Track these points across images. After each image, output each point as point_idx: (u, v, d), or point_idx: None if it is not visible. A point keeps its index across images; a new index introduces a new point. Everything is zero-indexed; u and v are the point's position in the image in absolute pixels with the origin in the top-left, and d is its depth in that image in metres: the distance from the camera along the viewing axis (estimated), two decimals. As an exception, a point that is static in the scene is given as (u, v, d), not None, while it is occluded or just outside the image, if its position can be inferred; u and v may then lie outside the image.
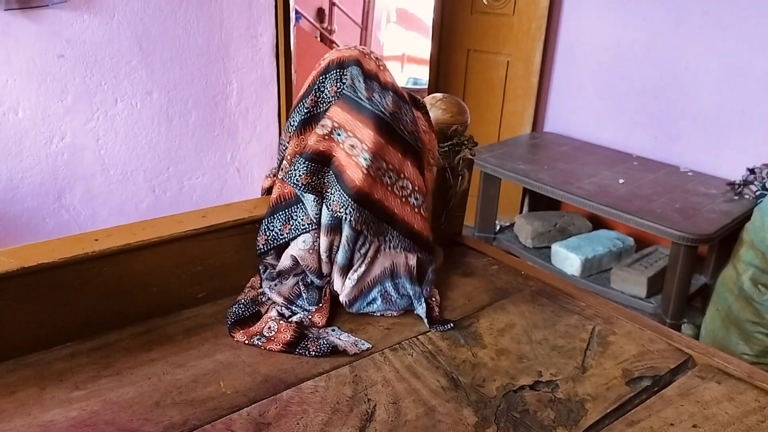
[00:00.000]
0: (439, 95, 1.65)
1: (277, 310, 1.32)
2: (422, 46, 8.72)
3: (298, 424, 1.06)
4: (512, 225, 3.70)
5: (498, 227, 3.74)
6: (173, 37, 2.77)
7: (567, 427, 1.10)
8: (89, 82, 2.63)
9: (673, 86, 3.35)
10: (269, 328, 1.27)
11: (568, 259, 3.21)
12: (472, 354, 1.28)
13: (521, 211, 3.95)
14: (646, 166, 3.35)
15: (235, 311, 1.31)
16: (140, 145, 2.79)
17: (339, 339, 1.29)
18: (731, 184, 3.11)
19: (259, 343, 1.25)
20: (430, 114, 1.59)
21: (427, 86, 6.21)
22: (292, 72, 3.16)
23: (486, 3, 3.95)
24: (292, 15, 3.12)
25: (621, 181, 3.11)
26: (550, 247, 3.36)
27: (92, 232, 1.24)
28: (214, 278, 1.39)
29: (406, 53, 9.06)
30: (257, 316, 1.32)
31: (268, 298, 1.36)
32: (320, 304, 1.36)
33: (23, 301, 1.16)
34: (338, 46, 6.99)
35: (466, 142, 1.64)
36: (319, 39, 6.60)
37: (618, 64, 3.54)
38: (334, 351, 1.24)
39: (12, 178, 2.57)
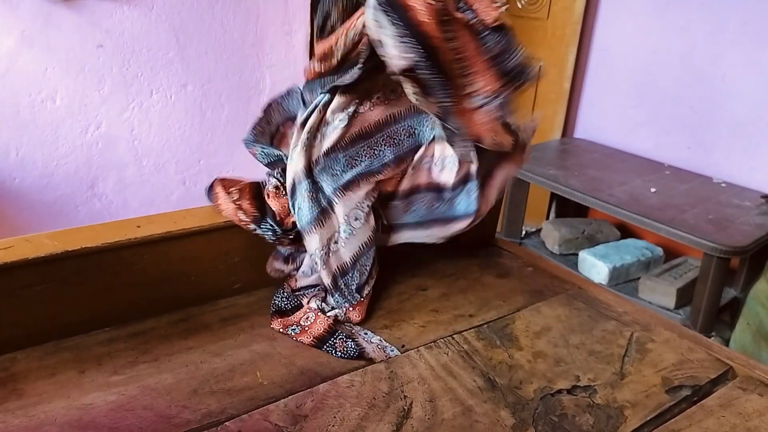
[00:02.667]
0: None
1: (316, 303, 1.31)
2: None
3: (335, 417, 1.06)
4: (538, 231, 3.67)
5: (524, 233, 3.72)
6: (209, 31, 2.80)
7: (606, 434, 1.08)
8: (126, 72, 2.66)
9: (708, 96, 3.30)
10: (306, 317, 1.27)
11: (595, 266, 3.17)
12: (508, 355, 1.27)
13: (548, 217, 3.92)
14: (678, 176, 3.30)
15: (277, 303, 1.31)
16: (173, 137, 2.81)
17: (369, 342, 1.27)
18: (765, 196, 3.06)
19: (293, 334, 1.24)
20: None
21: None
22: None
23: (521, 6, 3.93)
24: (327, 12, 3.12)
25: (653, 190, 3.07)
26: (576, 254, 3.32)
27: (134, 218, 1.25)
28: (250, 270, 1.39)
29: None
30: (298, 307, 1.31)
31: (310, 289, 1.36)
32: (358, 300, 1.35)
33: (65, 284, 1.17)
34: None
35: (503, 143, 1.63)
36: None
37: (653, 72, 3.50)
38: (361, 356, 1.23)
39: (47, 165, 2.61)
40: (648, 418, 1.13)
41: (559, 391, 1.18)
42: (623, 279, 3.18)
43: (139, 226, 1.24)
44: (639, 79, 3.57)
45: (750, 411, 1.16)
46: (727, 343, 2.84)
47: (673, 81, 3.42)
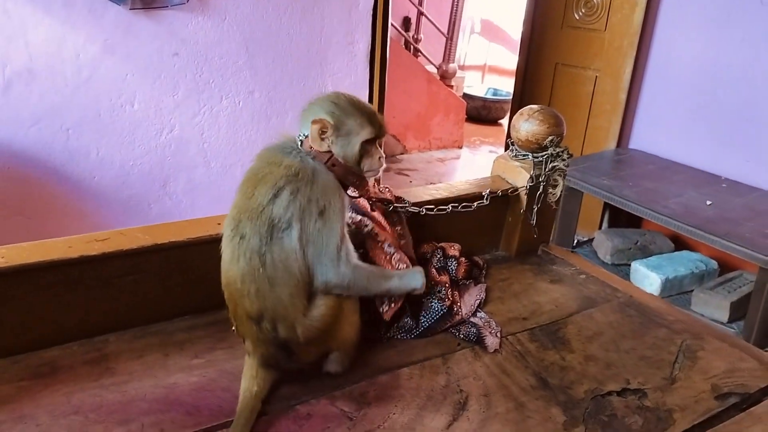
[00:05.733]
0: (536, 107, 1.70)
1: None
2: (504, 57, 8.74)
3: (396, 406, 1.14)
4: (591, 240, 3.67)
5: (576, 241, 3.73)
6: (277, 40, 2.93)
7: (654, 435, 1.13)
8: (198, 79, 2.81)
9: (767, 109, 3.26)
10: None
11: (648, 277, 3.17)
12: (560, 357, 1.33)
13: (600, 227, 3.92)
14: (735, 189, 3.27)
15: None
16: (240, 141, 2.96)
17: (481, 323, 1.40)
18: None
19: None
20: (528, 125, 1.65)
21: (506, 97, 6.21)
22: (386, 78, 3.26)
23: (578, 18, 3.95)
24: (389, 25, 3.23)
25: (708, 202, 3.06)
26: (629, 265, 3.32)
27: (215, 216, 1.35)
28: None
29: (487, 63, 9.09)
30: None
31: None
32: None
33: (153, 275, 1.28)
34: (423, 54, 7.10)
35: (561, 153, 1.68)
36: (404, 46, 6.71)
37: (711, 84, 3.47)
38: (479, 341, 1.35)
39: (124, 165, 2.78)
40: (696, 422, 1.17)
41: (609, 393, 1.24)
42: (676, 291, 3.16)
43: (219, 224, 1.35)
44: (697, 91, 3.54)
45: (799, 421, 1.19)
46: (783, 359, 2.81)
47: (733, 93, 3.38)
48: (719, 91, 3.44)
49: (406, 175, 5.67)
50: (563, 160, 1.69)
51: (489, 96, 7.77)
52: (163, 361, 1.21)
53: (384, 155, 1.25)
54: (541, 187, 1.68)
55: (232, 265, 1.10)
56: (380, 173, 1.25)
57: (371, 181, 1.28)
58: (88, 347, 1.22)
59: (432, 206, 1.55)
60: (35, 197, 2.66)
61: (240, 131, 2.97)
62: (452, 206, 1.54)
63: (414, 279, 1.27)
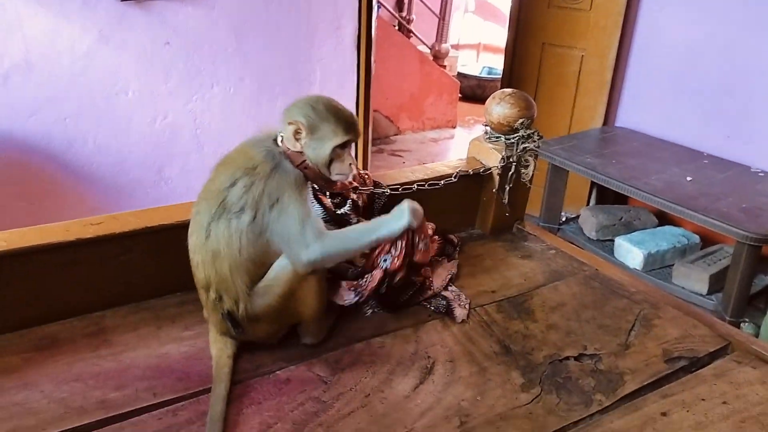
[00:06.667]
0: (508, 90, 1.79)
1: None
2: (499, 35, 8.73)
3: (367, 371, 1.25)
4: (578, 217, 3.77)
5: (564, 218, 3.82)
6: (265, 27, 3.00)
7: (605, 395, 1.23)
8: (190, 67, 2.89)
9: (749, 86, 3.33)
10: None
11: (630, 252, 3.26)
12: (524, 326, 1.43)
13: (588, 204, 4.01)
14: (716, 165, 3.35)
15: None
16: (232, 127, 3.05)
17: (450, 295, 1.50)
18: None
19: None
20: (499, 108, 1.73)
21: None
22: (372, 62, 3.34)
23: (564, -3, 4.00)
24: (374, 9, 3.29)
25: (689, 178, 3.14)
26: (613, 240, 3.42)
27: (202, 200, 1.44)
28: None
29: (482, 42, 9.10)
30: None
31: None
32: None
33: (145, 255, 1.38)
34: (416, 35, 7.13)
35: (532, 134, 1.77)
36: (397, 28, 6.75)
37: (694, 62, 3.54)
38: (448, 312, 1.44)
39: (120, 152, 2.88)
40: (644, 383, 1.27)
41: (567, 358, 1.34)
42: (658, 265, 3.26)
43: (205, 208, 1.44)
44: (681, 69, 3.61)
45: (741, 381, 1.29)
46: (759, 328, 2.91)
47: (714, 71, 3.45)
48: (702, 68, 3.51)
49: (400, 156, 5.74)
50: (534, 141, 1.77)
51: (484, 75, 7.80)
52: (156, 332, 1.32)
53: (355, 161, 1.30)
54: (513, 167, 1.77)
55: (190, 237, 1.23)
56: (350, 177, 1.31)
57: (350, 177, 1.32)
58: (87, 322, 1.32)
59: (398, 186, 1.63)
60: (36, 184, 2.77)
61: (232, 117, 3.06)
62: (418, 185, 1.61)
63: (399, 217, 1.27)
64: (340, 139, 1.23)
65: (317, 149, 1.23)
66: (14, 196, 2.74)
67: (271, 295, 1.21)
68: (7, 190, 2.72)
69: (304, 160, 1.24)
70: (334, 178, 1.27)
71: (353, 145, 1.31)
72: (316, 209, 1.49)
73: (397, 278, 1.38)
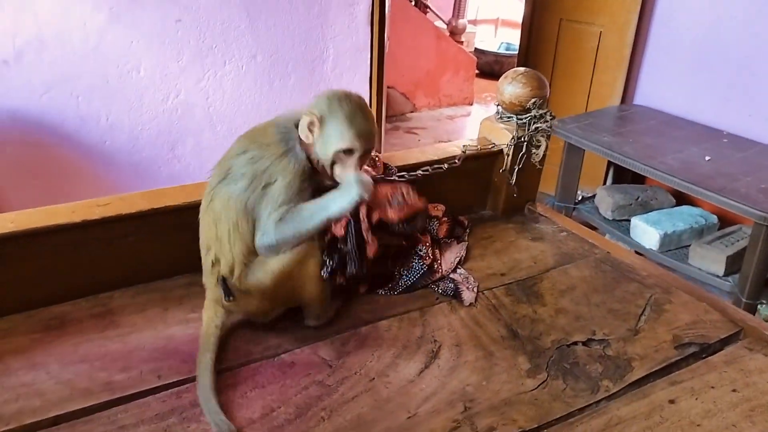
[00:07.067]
0: (520, 69, 1.75)
1: None
2: (518, 10, 8.59)
3: (373, 355, 1.24)
4: (594, 196, 3.72)
5: (580, 197, 3.77)
6: (277, 3, 2.97)
7: (612, 381, 1.22)
8: (202, 45, 2.87)
9: (772, 63, 3.24)
10: None
11: (646, 233, 3.22)
12: (532, 310, 1.42)
13: (604, 183, 3.96)
14: (736, 144, 3.28)
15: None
16: (244, 105, 3.04)
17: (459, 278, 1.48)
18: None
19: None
20: (511, 87, 1.70)
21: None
22: (385, 39, 3.29)
23: (583, -29, 3.91)
24: (388, -16, 3.24)
25: (707, 158, 3.08)
26: (630, 220, 3.37)
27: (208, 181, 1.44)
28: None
29: (500, 17, 8.96)
30: None
31: None
32: None
33: (153, 236, 1.38)
34: (432, 10, 7.03)
35: (544, 114, 1.74)
36: (413, 3, 6.65)
37: (715, 38, 3.45)
38: (456, 295, 1.43)
39: (133, 130, 2.88)
40: (653, 370, 1.26)
41: (575, 343, 1.33)
42: (675, 245, 3.21)
43: (212, 189, 1.44)
44: (701, 46, 3.52)
45: (752, 368, 1.27)
46: (775, 311, 2.87)
47: (736, 48, 3.36)
48: (723, 45, 3.42)
49: (415, 133, 5.70)
50: (546, 121, 1.74)
51: (501, 51, 7.69)
52: (163, 314, 1.33)
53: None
54: (524, 147, 1.75)
55: (203, 200, 1.26)
56: None
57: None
58: (94, 302, 1.34)
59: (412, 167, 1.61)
60: (50, 162, 2.78)
61: (244, 95, 3.04)
62: (422, 171, 1.58)
63: (348, 191, 1.19)
64: (344, 144, 1.21)
65: (322, 147, 1.22)
66: (28, 174, 2.76)
67: (265, 272, 1.21)
68: (21, 168, 2.74)
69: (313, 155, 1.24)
70: (337, 179, 1.25)
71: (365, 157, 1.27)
72: None
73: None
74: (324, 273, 1.26)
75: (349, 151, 1.22)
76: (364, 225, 1.27)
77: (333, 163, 1.23)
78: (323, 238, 1.28)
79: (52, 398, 1.08)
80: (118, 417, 1.06)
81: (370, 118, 1.26)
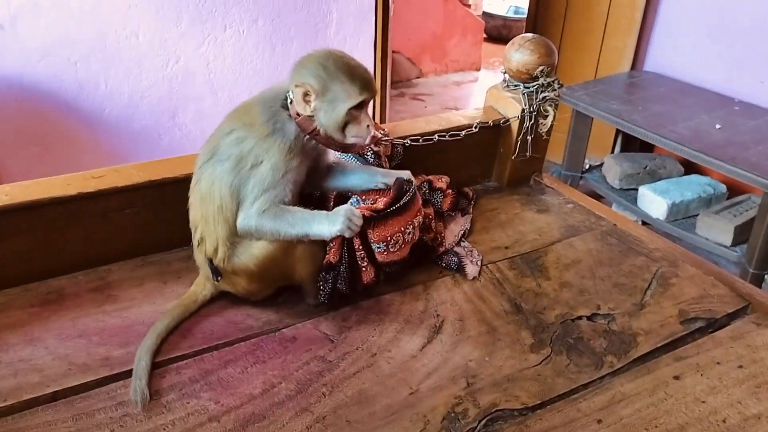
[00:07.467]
0: (529, 35, 1.70)
1: None
2: (527, -28, 8.40)
3: (375, 330, 1.23)
4: (601, 165, 3.67)
5: (587, 166, 3.73)
6: (279, -35, 2.90)
7: (617, 356, 1.20)
8: (202, 9, 2.81)
9: (787, 28, 3.16)
10: None
11: (654, 202, 3.18)
12: (536, 284, 1.40)
13: (612, 151, 3.90)
14: (748, 112, 3.22)
15: None
16: (245, 71, 2.99)
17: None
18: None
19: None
20: (518, 55, 1.65)
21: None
22: (390, 3, 3.21)
23: (594, -69, 3.80)
24: (393, -55, 3.15)
25: (717, 126, 3.02)
26: (637, 189, 3.33)
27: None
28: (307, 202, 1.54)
29: (509, -21, 8.77)
30: None
31: None
32: None
33: (150, 209, 1.36)
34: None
35: (552, 83, 1.69)
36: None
37: (729, 3, 3.35)
38: (460, 269, 1.41)
39: (132, 97, 2.84)
40: (658, 345, 1.24)
41: (579, 318, 1.31)
42: (682, 215, 3.18)
43: (211, 160, 1.41)
44: (714, 10, 3.42)
45: (759, 344, 1.25)
46: (781, 282, 2.85)
47: (750, 12, 3.26)
48: (737, 9, 3.32)
49: (422, 100, 5.63)
50: (554, 90, 1.70)
51: (510, 14, 7.54)
52: (161, 288, 1.31)
53: (372, 121, 1.22)
54: (533, 117, 1.70)
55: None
56: (368, 140, 1.21)
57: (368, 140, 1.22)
58: (92, 276, 1.32)
59: (417, 137, 1.58)
60: (49, 129, 2.75)
61: (245, 60, 2.98)
62: (439, 136, 1.56)
63: (333, 222, 1.17)
64: (354, 99, 1.16)
65: (330, 112, 1.17)
66: (27, 141, 2.73)
67: (249, 256, 1.20)
68: (20, 135, 2.71)
69: (316, 127, 1.18)
70: (350, 141, 1.21)
71: (371, 102, 1.24)
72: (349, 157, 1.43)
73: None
74: (322, 298, 1.26)
75: (359, 105, 1.18)
76: (360, 253, 1.25)
77: (345, 125, 1.19)
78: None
79: (50, 374, 1.07)
80: (117, 393, 1.05)
81: (359, 62, 1.21)
